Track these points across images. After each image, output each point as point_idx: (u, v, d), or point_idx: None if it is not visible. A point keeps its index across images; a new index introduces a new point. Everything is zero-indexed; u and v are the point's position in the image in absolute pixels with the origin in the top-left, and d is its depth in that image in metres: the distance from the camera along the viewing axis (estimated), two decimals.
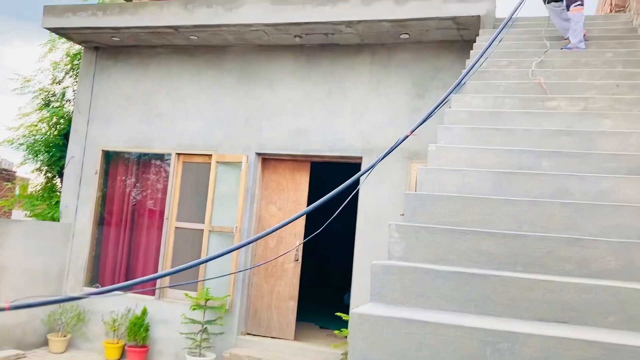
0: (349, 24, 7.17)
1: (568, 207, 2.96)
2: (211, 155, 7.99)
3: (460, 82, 4.98)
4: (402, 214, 3.23)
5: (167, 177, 8.29)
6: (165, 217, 8.14)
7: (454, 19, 6.72)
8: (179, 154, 8.23)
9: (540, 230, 2.91)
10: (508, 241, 2.75)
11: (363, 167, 7.48)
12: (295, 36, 7.71)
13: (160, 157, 8.42)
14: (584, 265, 2.62)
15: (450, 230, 2.84)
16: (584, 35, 5.68)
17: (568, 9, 5.91)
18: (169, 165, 8.29)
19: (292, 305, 7.64)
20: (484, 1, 6.58)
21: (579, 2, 5.88)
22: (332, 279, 11.96)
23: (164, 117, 8.38)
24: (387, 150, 7.31)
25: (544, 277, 2.46)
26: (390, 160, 7.31)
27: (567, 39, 5.88)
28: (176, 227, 8.14)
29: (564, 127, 4.01)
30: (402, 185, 7.22)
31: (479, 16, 6.58)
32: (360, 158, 7.54)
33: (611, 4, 7.13)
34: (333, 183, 11.61)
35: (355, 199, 7.53)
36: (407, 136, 4.59)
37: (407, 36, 7.35)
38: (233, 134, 8.03)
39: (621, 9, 6.86)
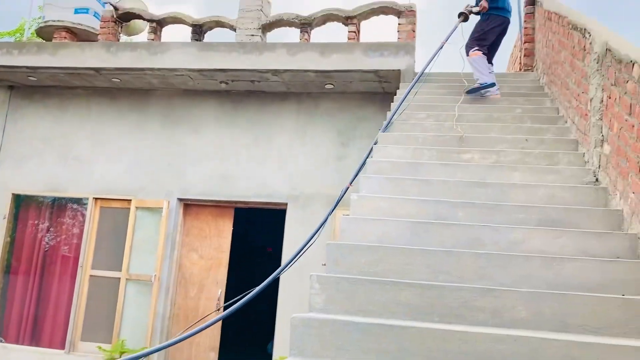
0: (275, 72, 7.27)
1: (481, 257, 3.06)
2: (130, 200, 7.73)
3: (386, 127, 5.15)
4: (324, 264, 3.23)
5: (83, 222, 7.92)
6: (79, 264, 7.73)
7: (376, 72, 6.97)
8: (96, 199, 7.90)
9: (455, 280, 2.98)
10: (425, 292, 2.79)
11: (288, 214, 7.48)
12: (221, 82, 7.72)
13: (77, 201, 8.05)
14: (497, 315, 2.70)
15: (370, 281, 2.86)
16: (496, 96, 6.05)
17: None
18: (85, 210, 7.94)
19: (213, 356, 7.38)
20: (404, 57, 6.88)
21: (475, 48, 6.33)
22: (256, 327, 11.70)
23: (82, 161, 8.06)
24: (312, 196, 7.38)
25: (459, 328, 2.51)
26: (316, 208, 7.38)
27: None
28: (91, 275, 7.73)
29: (477, 178, 4.19)
30: (327, 232, 7.24)
31: (399, 70, 6.86)
32: (286, 204, 7.53)
33: (520, 62, 7.65)
34: (257, 230, 11.47)
35: (280, 245, 7.49)
36: (347, 188, 4.68)
37: (331, 86, 7.53)
38: (155, 178, 7.83)
39: (529, 67, 7.36)
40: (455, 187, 4.04)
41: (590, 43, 4.29)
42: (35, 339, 7.77)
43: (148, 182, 7.84)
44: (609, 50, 3.82)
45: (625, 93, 3.45)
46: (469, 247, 3.28)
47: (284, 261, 7.27)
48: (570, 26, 5.05)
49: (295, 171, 7.59)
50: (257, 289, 3.80)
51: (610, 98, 3.80)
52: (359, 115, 7.65)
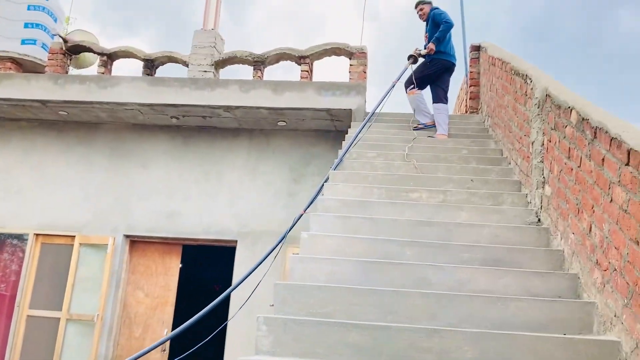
0: (227, 108, 7.27)
1: (428, 297, 3.09)
2: (74, 236, 7.47)
3: (337, 165, 5.20)
4: (272, 305, 3.18)
5: (22, 259, 7.57)
6: (16, 304, 7.36)
7: (328, 110, 7.07)
8: (37, 235, 7.59)
9: (404, 320, 2.98)
10: (373, 333, 2.78)
11: (238, 251, 7.37)
12: (171, 117, 7.65)
13: (17, 237, 7.70)
14: (444, 356, 2.71)
15: (318, 322, 2.83)
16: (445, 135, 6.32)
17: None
18: (25, 246, 7.59)
19: None
20: (355, 96, 7.02)
21: (412, 86, 6.68)
22: None
23: (24, 195, 7.77)
24: (262, 233, 7.30)
25: None
26: (266, 246, 7.30)
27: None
28: (28, 316, 7.36)
29: (425, 218, 4.25)
30: (277, 272, 7.16)
31: (350, 110, 6.98)
32: (235, 242, 7.44)
33: (466, 105, 7.92)
34: (207, 267, 11.23)
35: (228, 284, 7.35)
36: (301, 215, 4.70)
37: (284, 123, 7.57)
38: (100, 214, 7.61)
39: (475, 110, 7.63)
40: (404, 226, 4.08)
41: (532, 88, 4.48)
42: None
43: (93, 218, 7.61)
44: (549, 96, 4.00)
45: (564, 137, 3.61)
46: (416, 287, 3.30)
47: (232, 301, 7.13)
48: (513, 72, 5.27)
49: (246, 208, 7.53)
50: (204, 310, 3.68)
51: (550, 141, 3.96)
52: (311, 152, 7.70)
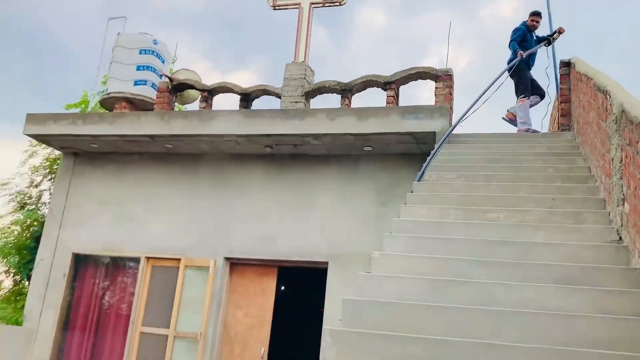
0: (316, 136, 7.62)
1: (491, 314, 3.14)
2: (180, 259, 8.10)
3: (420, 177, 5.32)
4: (341, 319, 3.37)
5: (135, 281, 8.32)
6: (130, 321, 8.08)
7: (412, 134, 7.20)
8: (148, 258, 8.32)
9: (465, 336, 3.06)
10: (433, 347, 2.89)
11: (329, 273, 7.62)
12: (265, 146, 8.13)
13: (130, 260, 8.49)
14: None
15: (379, 336, 2.99)
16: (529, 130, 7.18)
17: None
18: (137, 269, 8.35)
19: None
20: (439, 119, 7.09)
21: (522, 95, 7.23)
22: None
23: (136, 221, 8.56)
24: (352, 255, 7.48)
25: None
26: (357, 266, 7.49)
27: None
28: (141, 332, 8.05)
29: (500, 237, 4.26)
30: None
31: (434, 132, 7.06)
32: (326, 263, 7.70)
33: (558, 122, 7.70)
34: (299, 289, 11.56)
35: (321, 304, 7.61)
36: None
37: (370, 148, 7.79)
38: (203, 238, 8.20)
39: (566, 127, 7.40)
40: (477, 246, 4.12)
41: (611, 104, 4.38)
42: None
43: (197, 242, 8.21)
44: (624, 111, 3.91)
45: (638, 153, 3.52)
46: (482, 304, 3.35)
47: (325, 320, 7.36)
48: (596, 88, 5.15)
49: (336, 231, 7.78)
50: None
51: (626, 158, 3.86)
52: (397, 175, 7.82)
